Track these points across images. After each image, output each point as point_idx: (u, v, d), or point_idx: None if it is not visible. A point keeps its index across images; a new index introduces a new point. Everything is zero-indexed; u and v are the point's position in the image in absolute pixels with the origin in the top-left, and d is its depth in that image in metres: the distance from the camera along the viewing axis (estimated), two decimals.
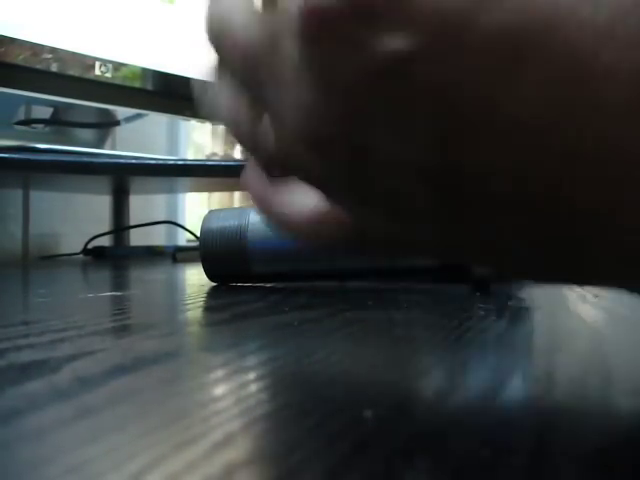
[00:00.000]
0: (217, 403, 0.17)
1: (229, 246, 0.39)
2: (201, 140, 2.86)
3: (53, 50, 0.66)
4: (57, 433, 0.14)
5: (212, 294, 0.39)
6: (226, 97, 0.19)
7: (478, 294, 0.35)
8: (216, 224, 0.40)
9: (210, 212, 0.41)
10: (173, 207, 1.29)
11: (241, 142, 0.20)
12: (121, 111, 0.87)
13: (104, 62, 0.71)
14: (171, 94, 0.80)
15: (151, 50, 0.77)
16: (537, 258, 0.16)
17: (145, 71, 0.76)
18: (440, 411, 0.16)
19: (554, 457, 0.13)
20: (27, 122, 0.82)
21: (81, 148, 0.73)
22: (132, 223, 1.01)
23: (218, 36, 0.19)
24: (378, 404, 0.16)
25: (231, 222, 0.39)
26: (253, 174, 0.22)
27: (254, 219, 0.39)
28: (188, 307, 0.35)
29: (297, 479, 0.11)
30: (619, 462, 0.13)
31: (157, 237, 1.16)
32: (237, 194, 3.08)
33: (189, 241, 1.23)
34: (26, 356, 0.21)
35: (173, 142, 1.35)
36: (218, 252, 0.40)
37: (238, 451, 0.13)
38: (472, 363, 0.22)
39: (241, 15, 0.18)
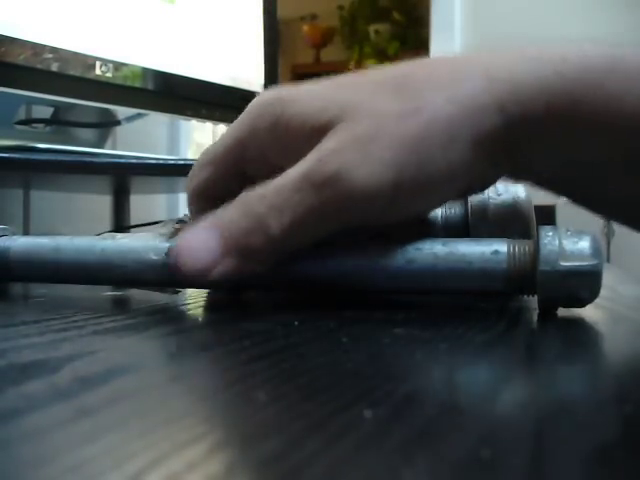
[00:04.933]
0: (217, 403, 0.17)
1: None
2: (202, 140, 2.86)
3: (54, 50, 0.66)
4: (57, 433, 0.13)
5: (212, 294, 0.39)
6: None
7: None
8: None
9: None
10: (174, 207, 1.29)
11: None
12: (122, 111, 0.87)
13: (105, 62, 0.71)
14: (172, 94, 0.80)
15: (152, 50, 0.77)
16: None
17: (146, 71, 0.76)
18: (440, 411, 0.16)
19: (554, 457, 0.13)
20: (27, 122, 0.82)
21: (82, 148, 0.73)
22: (133, 223, 1.01)
23: None
24: (378, 404, 0.16)
25: None
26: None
27: None
28: (188, 307, 0.35)
29: (297, 479, 0.11)
30: (619, 462, 0.13)
31: None
32: None
33: None
34: (26, 356, 0.21)
35: (174, 142, 1.35)
36: None
37: (238, 451, 0.13)
38: (472, 363, 0.22)
39: None
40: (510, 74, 0.27)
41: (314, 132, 0.27)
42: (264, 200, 0.27)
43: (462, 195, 0.32)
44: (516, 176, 0.31)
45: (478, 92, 0.26)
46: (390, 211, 0.28)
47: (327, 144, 0.26)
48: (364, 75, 0.29)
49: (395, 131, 0.26)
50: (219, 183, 0.31)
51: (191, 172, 0.32)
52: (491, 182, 0.31)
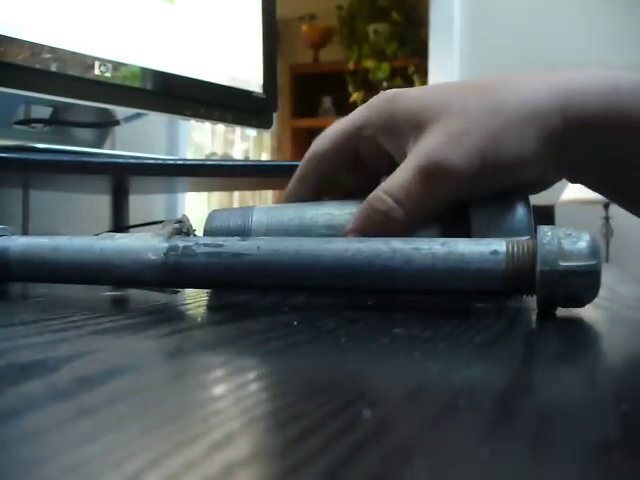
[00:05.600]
0: (217, 402, 0.17)
1: None
2: (201, 140, 2.86)
3: (52, 50, 0.66)
4: (56, 433, 0.13)
5: (212, 294, 0.39)
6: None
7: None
8: (219, 223, 0.40)
9: (213, 212, 0.41)
10: (173, 207, 1.29)
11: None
12: (120, 111, 0.87)
13: (103, 62, 0.71)
14: (171, 94, 0.80)
15: (151, 50, 0.77)
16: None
17: (145, 71, 0.76)
18: (440, 411, 0.16)
19: (554, 457, 0.13)
20: (26, 122, 0.82)
21: (81, 148, 0.72)
22: (132, 223, 1.01)
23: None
24: (378, 404, 0.16)
25: (234, 222, 0.39)
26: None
27: (258, 219, 0.39)
28: (187, 307, 0.35)
29: (297, 479, 0.11)
30: (619, 461, 0.13)
31: None
32: (236, 194, 3.08)
33: None
34: (25, 356, 0.21)
35: (173, 142, 1.35)
36: None
37: (238, 451, 0.13)
38: (471, 362, 0.22)
39: None
40: (570, 90, 0.34)
41: (417, 126, 0.35)
42: (389, 197, 0.35)
43: (528, 188, 0.37)
44: (572, 177, 0.37)
45: (545, 100, 0.34)
46: (477, 187, 0.35)
47: (429, 139, 0.34)
48: (457, 84, 0.38)
49: (480, 126, 0.34)
50: (333, 156, 0.39)
51: (312, 147, 0.41)
52: (551, 182, 0.38)
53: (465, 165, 0.33)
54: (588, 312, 0.31)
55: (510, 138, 0.33)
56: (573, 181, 0.37)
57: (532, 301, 0.30)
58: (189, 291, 0.38)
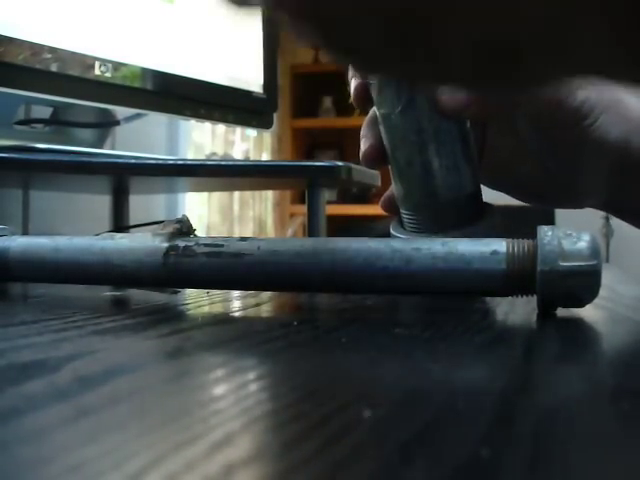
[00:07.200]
0: (217, 403, 0.17)
1: None
2: (201, 140, 2.86)
3: (53, 50, 0.66)
4: (57, 433, 0.14)
5: (212, 294, 0.39)
6: None
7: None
8: None
9: None
10: (173, 207, 1.29)
11: None
12: (121, 111, 0.87)
13: (104, 62, 0.71)
14: (171, 94, 0.80)
15: (151, 50, 0.77)
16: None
17: (145, 71, 0.76)
18: (440, 411, 0.16)
19: (554, 457, 0.13)
20: (27, 122, 0.82)
21: (81, 148, 0.72)
22: (132, 223, 1.01)
23: None
24: (378, 404, 0.16)
25: None
26: None
27: None
28: (187, 307, 0.35)
29: (297, 479, 0.11)
30: (618, 460, 0.13)
31: None
32: (236, 194, 3.07)
33: None
34: (26, 356, 0.21)
35: (173, 142, 1.35)
36: None
37: (238, 451, 0.13)
38: (471, 363, 0.22)
39: None
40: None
41: None
42: None
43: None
44: (607, 206, 0.38)
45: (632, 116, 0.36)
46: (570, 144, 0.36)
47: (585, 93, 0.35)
48: None
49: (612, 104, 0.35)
50: None
51: None
52: (584, 203, 0.39)
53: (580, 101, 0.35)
54: (588, 312, 0.31)
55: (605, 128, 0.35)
56: (607, 211, 0.39)
57: (532, 301, 0.30)
58: (189, 291, 0.38)
